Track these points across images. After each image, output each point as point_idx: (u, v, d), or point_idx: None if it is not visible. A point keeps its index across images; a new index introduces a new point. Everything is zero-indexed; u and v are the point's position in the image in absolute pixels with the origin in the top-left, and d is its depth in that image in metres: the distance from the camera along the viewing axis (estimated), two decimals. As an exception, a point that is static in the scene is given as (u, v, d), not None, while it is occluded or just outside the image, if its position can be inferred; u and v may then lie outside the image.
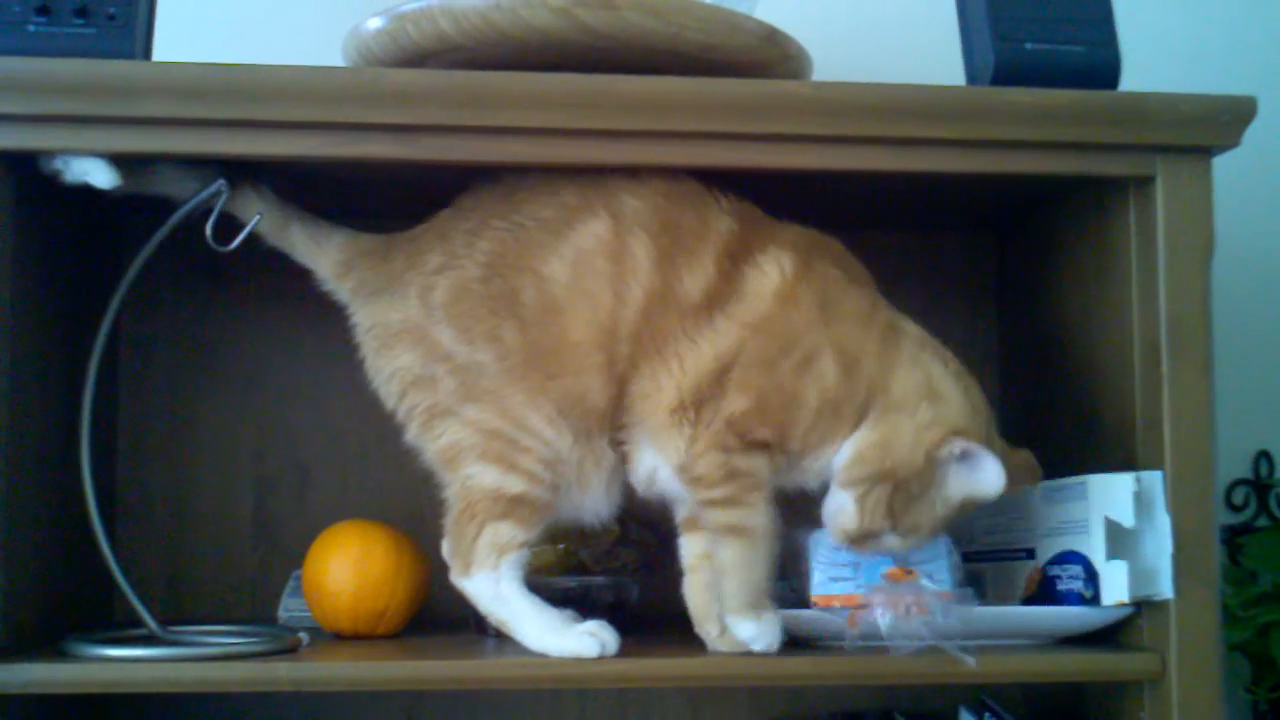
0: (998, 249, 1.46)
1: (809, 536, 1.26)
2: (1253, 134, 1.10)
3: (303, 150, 1.05)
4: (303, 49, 1.32)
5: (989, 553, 1.27)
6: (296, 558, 1.26)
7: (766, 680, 1.09)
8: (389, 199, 1.23)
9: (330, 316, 1.19)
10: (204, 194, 1.12)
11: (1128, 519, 1.09)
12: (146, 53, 1.08)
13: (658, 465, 1.12)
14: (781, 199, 1.13)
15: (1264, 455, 1.54)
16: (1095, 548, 1.12)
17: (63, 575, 1.17)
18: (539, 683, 1.10)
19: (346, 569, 1.19)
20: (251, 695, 1.32)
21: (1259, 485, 1.54)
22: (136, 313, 1.35)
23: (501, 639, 1.14)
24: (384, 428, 1.16)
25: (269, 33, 1.46)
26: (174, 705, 1.34)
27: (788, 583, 1.31)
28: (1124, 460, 1.14)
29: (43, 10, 1.05)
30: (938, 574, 1.11)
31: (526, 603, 1.10)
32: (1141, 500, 1.09)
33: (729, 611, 1.08)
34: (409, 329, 1.13)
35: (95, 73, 1.03)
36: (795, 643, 1.10)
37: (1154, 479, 1.10)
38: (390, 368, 1.14)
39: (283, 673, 1.06)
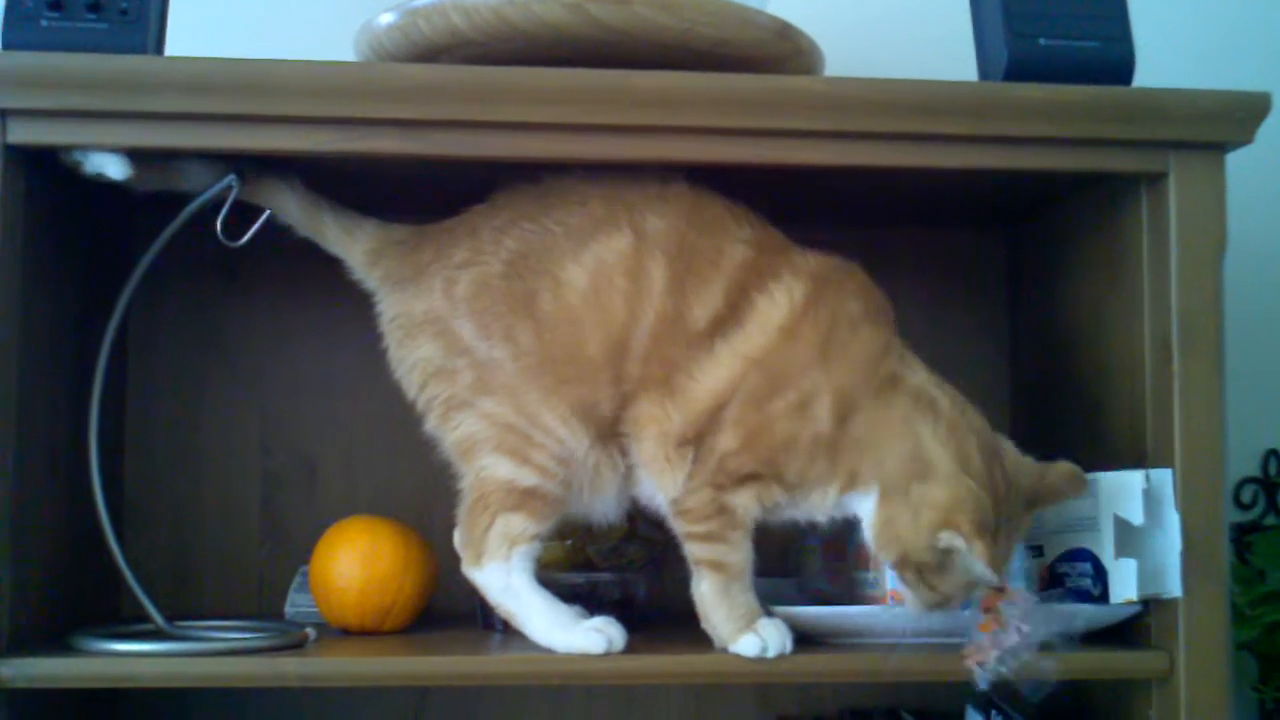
0: (1009, 245, 1.46)
1: (817, 539, 1.27)
2: (1266, 130, 1.10)
3: (315, 145, 1.05)
4: (315, 44, 1.32)
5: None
6: (303, 553, 1.26)
7: (773, 678, 1.09)
8: (400, 194, 1.23)
9: (338, 312, 1.19)
10: (214, 189, 1.12)
11: (1137, 517, 1.09)
12: (159, 48, 1.08)
13: (654, 493, 1.13)
14: (794, 195, 1.13)
15: (1273, 453, 1.53)
16: (1104, 545, 1.12)
17: (70, 570, 1.17)
18: (545, 678, 1.10)
19: (353, 564, 1.19)
20: (258, 690, 1.32)
21: (1268, 484, 1.54)
22: (145, 308, 1.35)
23: (508, 634, 1.14)
24: (391, 423, 1.16)
25: (281, 28, 1.46)
26: (181, 700, 1.34)
27: (796, 581, 1.32)
28: (1133, 458, 1.13)
29: (56, 5, 1.05)
30: (1015, 583, 1.10)
31: (536, 596, 1.10)
32: (1151, 498, 1.09)
33: (725, 641, 1.08)
34: (432, 320, 1.13)
35: (108, 68, 1.03)
36: (802, 640, 1.10)
37: (1163, 477, 1.09)
38: (412, 358, 1.14)
39: (289, 668, 1.06)
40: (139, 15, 1.05)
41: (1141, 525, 1.09)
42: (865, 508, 1.08)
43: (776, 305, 1.09)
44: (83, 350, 1.16)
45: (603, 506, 1.14)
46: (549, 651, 1.08)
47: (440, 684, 1.34)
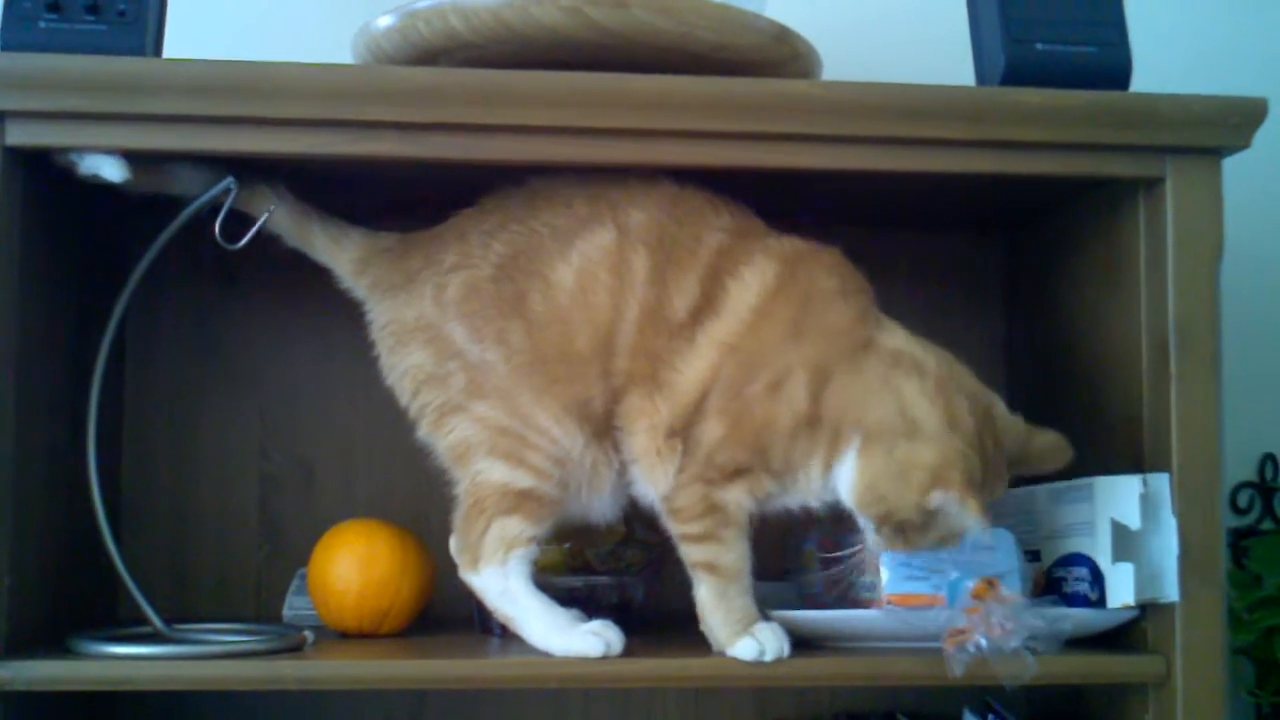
0: (1006, 249, 1.46)
1: (814, 543, 1.27)
2: (1263, 136, 1.10)
3: (313, 148, 1.05)
4: (313, 46, 1.32)
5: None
6: (301, 556, 1.26)
7: (770, 681, 1.09)
8: (396, 198, 1.23)
9: (336, 315, 1.19)
10: (213, 191, 1.12)
11: (1134, 521, 1.09)
12: (157, 49, 1.08)
13: (647, 490, 1.13)
14: (791, 199, 1.13)
15: (1269, 458, 1.54)
16: (1101, 550, 1.12)
17: (68, 573, 1.17)
18: (543, 682, 1.10)
19: (351, 568, 1.19)
20: (256, 693, 1.32)
21: (1264, 488, 1.54)
22: (143, 311, 1.34)
23: (506, 637, 1.14)
24: (389, 426, 1.16)
25: (279, 30, 1.46)
26: (178, 703, 1.34)
27: (794, 583, 1.32)
28: (1131, 462, 1.14)
29: (54, 7, 1.05)
30: (1010, 583, 1.10)
31: (533, 600, 1.10)
32: (1148, 502, 1.09)
33: (723, 644, 1.08)
34: (423, 326, 1.13)
35: (106, 69, 1.03)
36: (799, 644, 1.10)
37: (1161, 481, 1.09)
38: (404, 365, 1.14)
39: (287, 671, 1.06)
40: (137, 17, 1.05)
41: (1138, 530, 1.09)
42: (846, 467, 1.07)
43: (748, 288, 1.09)
44: (81, 353, 1.16)
45: (600, 506, 1.14)
46: (547, 655, 1.08)
47: (438, 687, 1.35)
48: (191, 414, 1.38)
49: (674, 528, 1.11)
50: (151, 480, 1.36)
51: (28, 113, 1.03)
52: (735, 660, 1.07)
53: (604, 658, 1.07)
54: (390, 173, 1.16)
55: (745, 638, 1.07)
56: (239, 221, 1.15)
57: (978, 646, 1.04)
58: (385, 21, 1.15)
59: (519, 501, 1.10)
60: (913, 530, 1.06)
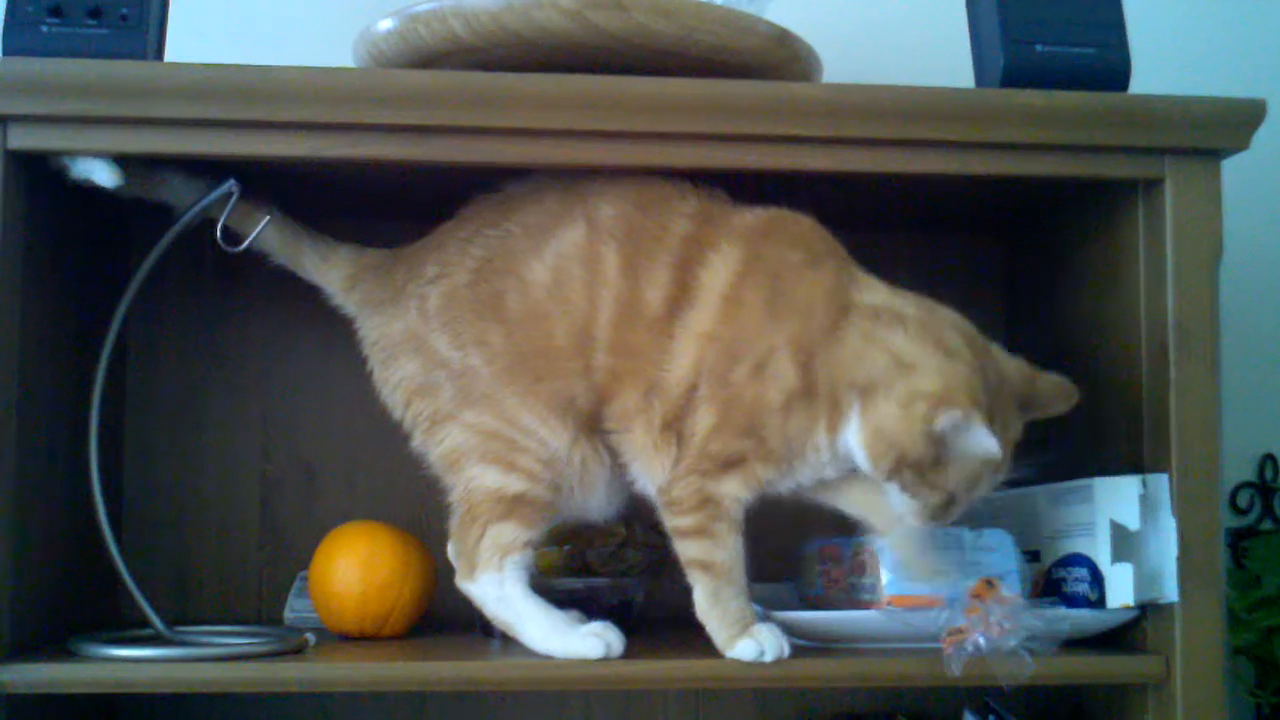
0: (1006, 251, 1.46)
1: (814, 545, 1.27)
2: (1261, 137, 1.10)
3: (314, 151, 1.05)
4: (314, 50, 1.33)
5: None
6: (303, 559, 1.26)
7: (771, 683, 1.09)
8: (397, 201, 1.23)
9: (337, 319, 1.19)
10: (214, 194, 1.12)
11: (1133, 522, 1.09)
12: (159, 53, 1.08)
13: (647, 484, 1.13)
14: (790, 200, 1.13)
15: (1269, 458, 1.54)
16: (1100, 550, 1.12)
17: (70, 575, 1.17)
18: (544, 684, 1.10)
19: (353, 570, 1.19)
20: (257, 696, 1.32)
21: (1264, 488, 1.54)
22: (145, 314, 1.35)
23: (507, 640, 1.14)
24: (390, 429, 1.16)
25: (280, 34, 1.46)
26: (180, 705, 1.34)
27: (794, 586, 1.32)
28: (1130, 463, 1.14)
29: (56, 11, 1.05)
30: (1010, 584, 1.11)
31: (531, 604, 1.10)
32: (1147, 503, 1.09)
33: (723, 646, 1.08)
34: (409, 338, 1.14)
35: (107, 73, 1.03)
36: (800, 645, 1.10)
37: (1160, 482, 1.10)
38: (395, 378, 1.15)
39: (289, 673, 1.06)
40: (139, 21, 1.06)
41: (1138, 530, 1.09)
42: (852, 429, 1.07)
43: (717, 275, 1.09)
44: (82, 356, 1.16)
45: (597, 504, 1.14)
46: (548, 657, 1.08)
47: (439, 690, 1.35)
48: (193, 416, 1.38)
49: (669, 520, 1.10)
50: (153, 483, 1.36)
51: (30, 117, 1.03)
52: (736, 661, 1.07)
53: (604, 659, 1.07)
54: (392, 176, 1.17)
55: (745, 639, 1.07)
56: (237, 232, 1.15)
57: (976, 646, 1.04)
58: (386, 25, 1.15)
59: (512, 507, 1.10)
60: (930, 469, 1.04)
